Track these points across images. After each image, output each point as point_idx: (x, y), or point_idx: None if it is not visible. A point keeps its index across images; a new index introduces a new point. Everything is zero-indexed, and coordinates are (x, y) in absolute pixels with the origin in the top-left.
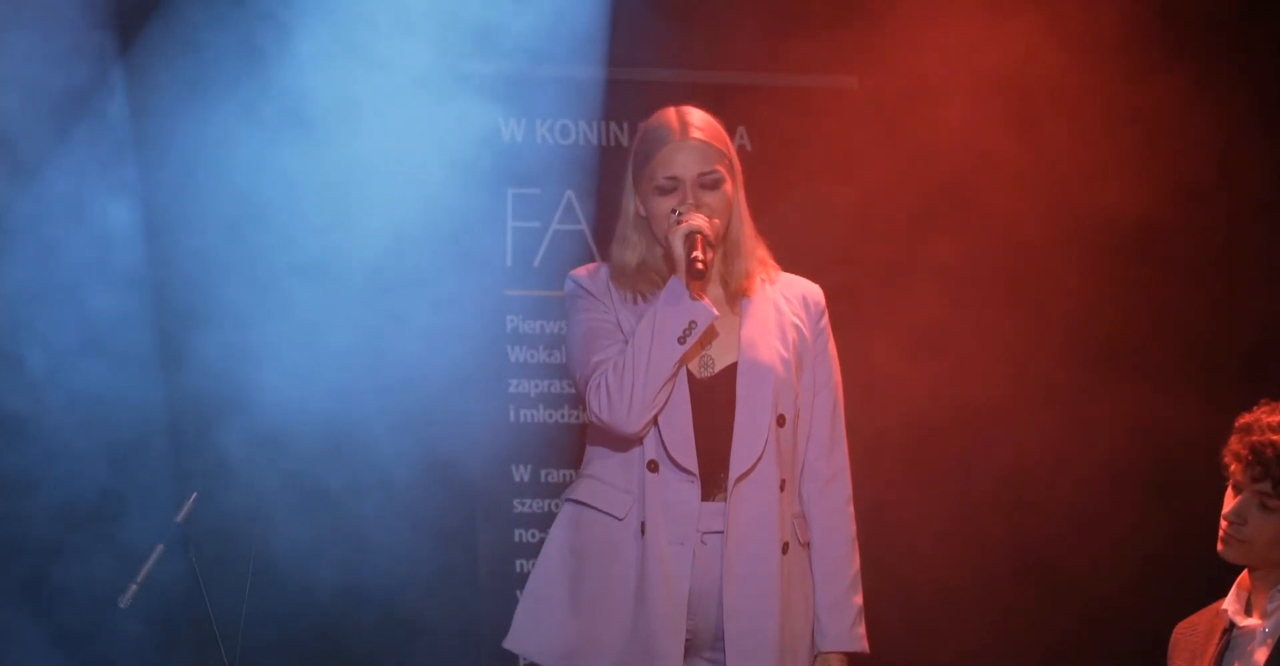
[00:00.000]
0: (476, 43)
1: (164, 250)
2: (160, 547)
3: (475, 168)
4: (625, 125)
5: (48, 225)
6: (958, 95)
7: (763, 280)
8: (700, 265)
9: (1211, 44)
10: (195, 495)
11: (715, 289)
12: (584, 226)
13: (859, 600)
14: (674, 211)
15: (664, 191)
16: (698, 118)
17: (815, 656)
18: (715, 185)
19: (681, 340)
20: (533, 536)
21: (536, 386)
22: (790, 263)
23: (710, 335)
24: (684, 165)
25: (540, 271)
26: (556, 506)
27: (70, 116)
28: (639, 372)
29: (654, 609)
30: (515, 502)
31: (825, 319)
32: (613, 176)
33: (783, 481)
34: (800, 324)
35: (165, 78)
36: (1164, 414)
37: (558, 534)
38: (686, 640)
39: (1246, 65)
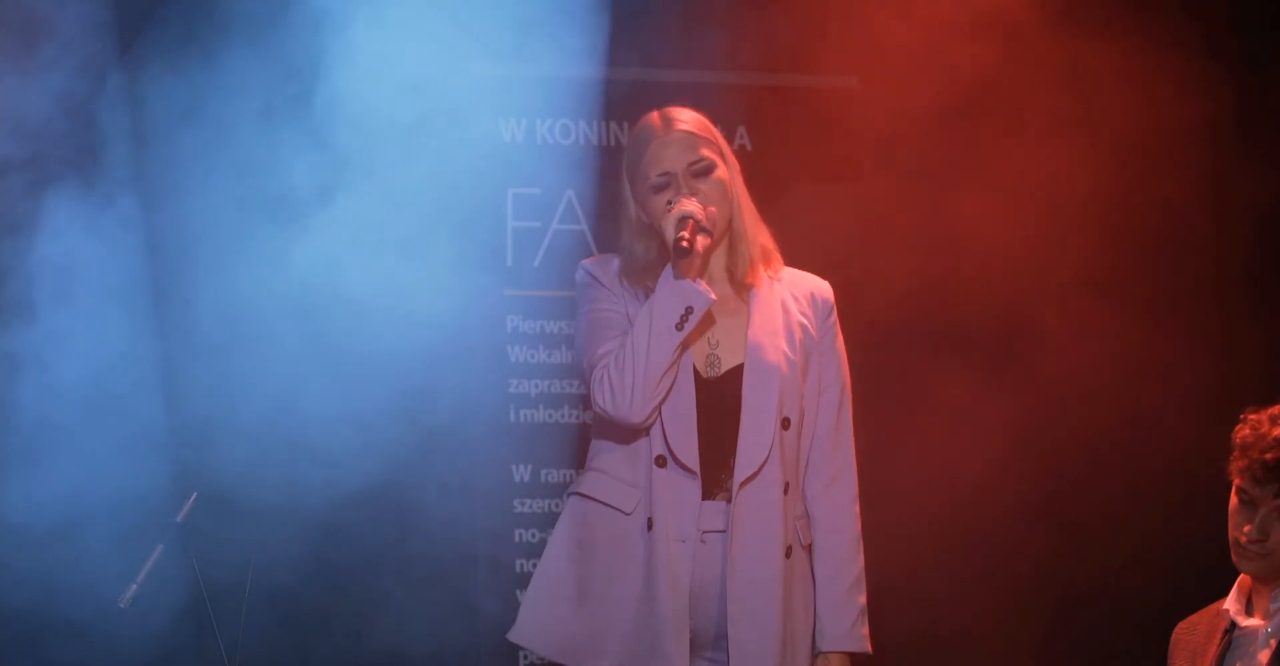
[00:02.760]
0: (477, 42)
1: (165, 251)
2: (160, 547)
3: (475, 168)
4: (625, 125)
5: (47, 229)
6: (958, 95)
7: (769, 277)
8: (685, 244)
9: (1224, 46)
10: (195, 495)
11: (722, 284)
12: (584, 226)
13: (862, 600)
14: (669, 202)
15: (659, 189)
16: (680, 112)
17: (815, 656)
18: (707, 172)
19: (679, 326)
20: (533, 536)
21: (536, 386)
22: (790, 263)
23: (708, 321)
24: (672, 158)
25: (540, 271)
26: (557, 506)
27: (69, 118)
28: (639, 362)
29: (660, 605)
30: (515, 502)
31: (833, 316)
32: (613, 176)
33: (786, 485)
34: (807, 322)
35: (165, 79)
36: (1171, 414)
37: (563, 527)
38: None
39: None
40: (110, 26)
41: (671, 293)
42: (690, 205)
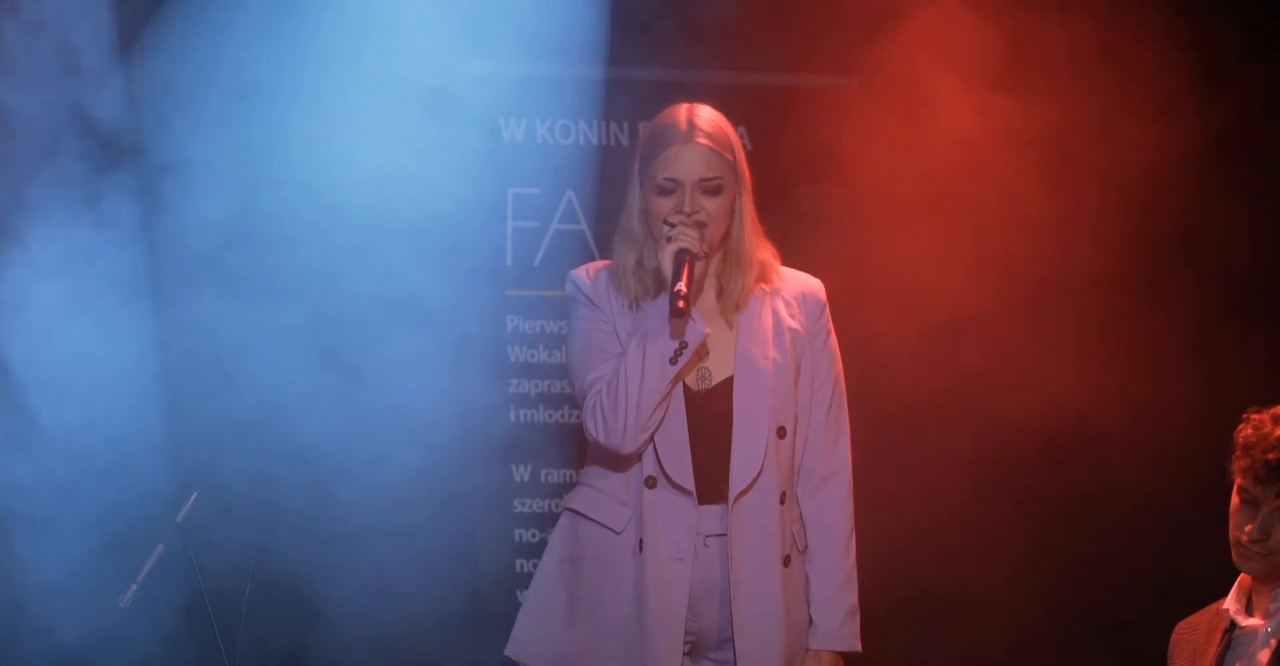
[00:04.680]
0: (477, 42)
1: (165, 251)
2: (160, 547)
3: (475, 168)
4: (625, 125)
5: (47, 229)
6: (957, 95)
7: (763, 290)
8: (681, 303)
9: (1219, 42)
10: (195, 495)
11: (710, 296)
12: (584, 226)
13: (853, 598)
14: (666, 222)
15: (664, 192)
16: (706, 121)
17: (806, 653)
18: (715, 192)
19: (673, 361)
20: (533, 536)
21: (536, 386)
22: (790, 263)
23: (703, 350)
24: (686, 169)
25: (540, 271)
26: (556, 506)
27: (68, 119)
28: (631, 395)
29: (652, 622)
30: (515, 502)
31: (825, 314)
32: (613, 176)
33: (783, 494)
34: (798, 327)
35: (165, 78)
36: (1171, 412)
37: (556, 542)
38: (690, 642)
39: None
40: (110, 25)
41: (665, 327)
42: (688, 238)
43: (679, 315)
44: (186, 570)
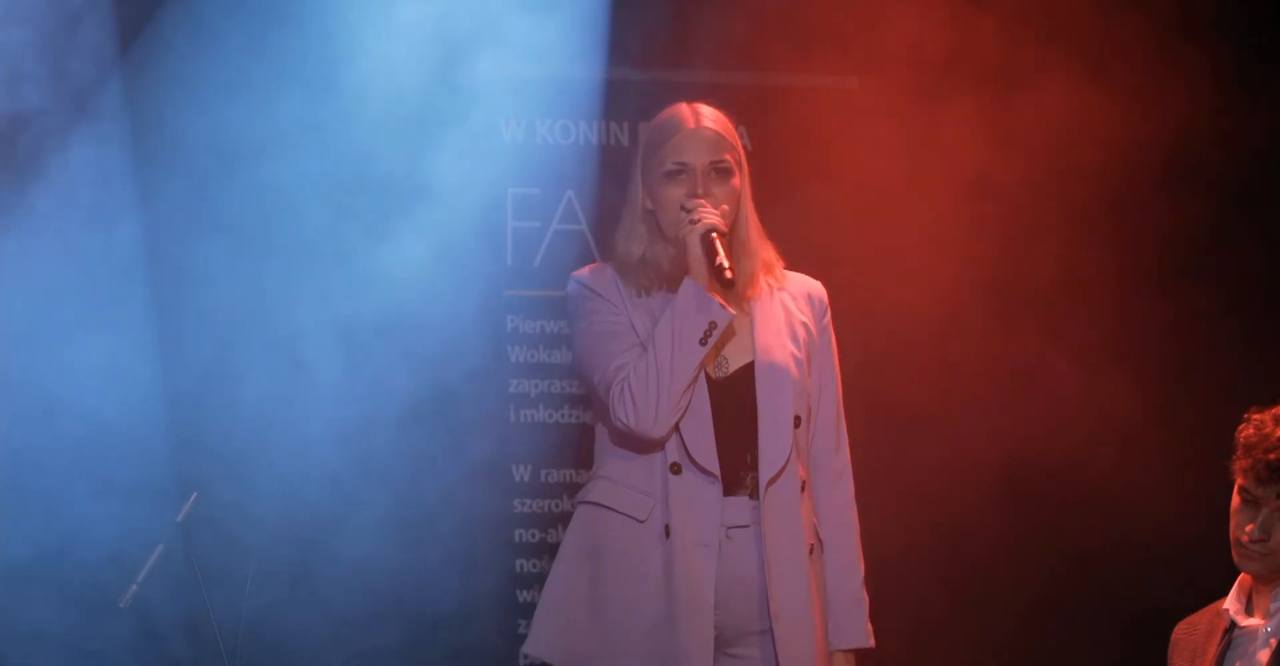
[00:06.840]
0: (477, 43)
1: (164, 252)
2: (160, 547)
3: (475, 168)
4: (625, 125)
5: (48, 228)
6: (958, 95)
7: (769, 284)
8: (729, 274)
9: (1236, 45)
10: (195, 495)
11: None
12: (584, 226)
13: (867, 595)
14: (682, 208)
15: (672, 176)
16: (710, 111)
17: (831, 652)
18: (725, 176)
19: (703, 342)
20: (533, 536)
21: (536, 386)
22: (790, 262)
23: (727, 334)
24: (696, 153)
25: (540, 271)
26: (557, 506)
27: (69, 116)
28: (663, 377)
29: (680, 611)
30: (515, 502)
31: (828, 316)
32: (613, 176)
33: (803, 482)
34: (808, 322)
35: (165, 79)
36: (1179, 405)
37: (573, 536)
38: (714, 637)
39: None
40: (111, 21)
41: (696, 308)
42: (713, 217)
43: (729, 286)
44: (187, 570)
